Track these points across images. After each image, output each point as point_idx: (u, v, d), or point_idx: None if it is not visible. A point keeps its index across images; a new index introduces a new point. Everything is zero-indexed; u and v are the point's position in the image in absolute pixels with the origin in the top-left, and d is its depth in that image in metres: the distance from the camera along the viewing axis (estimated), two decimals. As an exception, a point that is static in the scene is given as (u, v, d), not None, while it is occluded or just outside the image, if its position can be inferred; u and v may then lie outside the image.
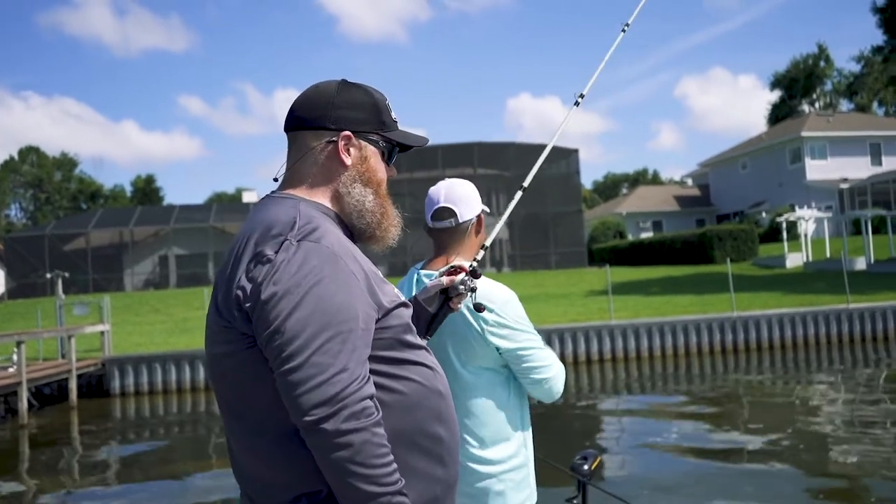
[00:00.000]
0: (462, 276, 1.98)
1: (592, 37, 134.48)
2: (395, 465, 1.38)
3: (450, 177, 2.61)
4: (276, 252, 1.41)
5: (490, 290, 2.28)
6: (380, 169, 1.63)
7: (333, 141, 1.58)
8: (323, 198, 1.59)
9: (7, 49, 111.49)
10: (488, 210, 2.53)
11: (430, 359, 1.59)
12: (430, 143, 1.75)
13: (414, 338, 1.57)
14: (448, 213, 2.36)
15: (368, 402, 1.36)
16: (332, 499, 1.41)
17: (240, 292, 1.42)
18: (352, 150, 1.59)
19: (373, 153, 1.62)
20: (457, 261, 2.28)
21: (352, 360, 1.36)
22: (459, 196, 2.37)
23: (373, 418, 1.35)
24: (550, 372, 2.34)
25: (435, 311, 2.01)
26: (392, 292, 1.57)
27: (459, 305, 1.98)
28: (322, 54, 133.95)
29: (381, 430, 1.36)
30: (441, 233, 2.39)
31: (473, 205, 2.39)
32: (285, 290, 1.37)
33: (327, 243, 1.44)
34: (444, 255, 2.40)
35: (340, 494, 1.37)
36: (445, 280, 1.98)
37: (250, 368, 1.43)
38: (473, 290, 1.94)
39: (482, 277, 2.25)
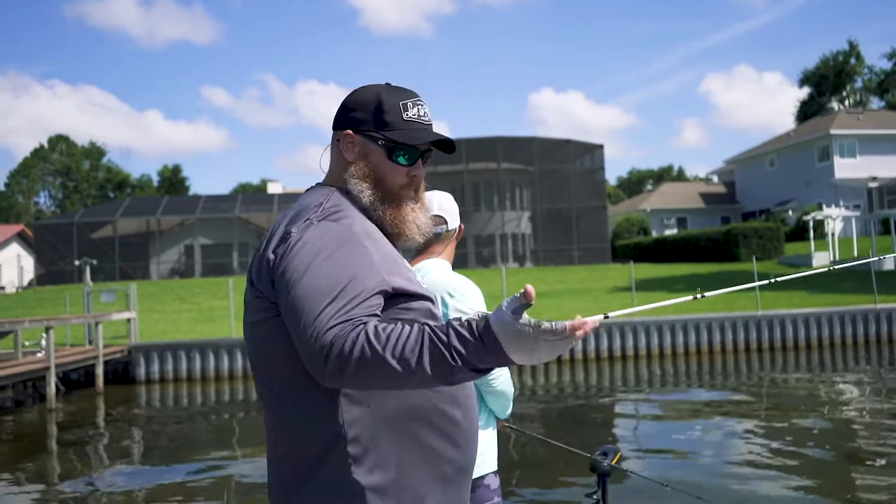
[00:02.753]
0: None
1: (615, 31, 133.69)
2: (404, 348, 1.33)
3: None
4: (300, 229, 1.56)
5: (451, 279, 2.63)
6: (382, 166, 1.70)
7: (340, 139, 1.73)
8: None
9: (33, 38, 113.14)
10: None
11: None
12: (445, 140, 1.76)
13: (437, 323, 1.59)
14: (441, 220, 2.75)
15: (351, 337, 1.35)
16: (351, 451, 1.52)
17: (267, 265, 1.56)
18: (356, 147, 1.71)
19: (374, 150, 1.70)
20: (438, 260, 2.70)
21: (337, 317, 1.39)
22: (449, 207, 2.78)
23: (359, 342, 1.34)
24: (507, 377, 2.62)
25: None
26: (416, 282, 1.66)
27: None
28: (344, 47, 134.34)
29: (370, 343, 1.34)
30: (432, 236, 2.74)
31: (457, 216, 2.81)
32: (300, 262, 1.49)
33: (346, 223, 1.58)
34: (426, 256, 2.77)
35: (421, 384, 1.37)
36: None
37: (278, 332, 1.56)
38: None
39: (444, 269, 2.67)
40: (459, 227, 2.83)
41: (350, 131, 1.71)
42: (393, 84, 1.76)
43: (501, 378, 2.64)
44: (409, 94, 1.73)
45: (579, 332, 1.30)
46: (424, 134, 1.71)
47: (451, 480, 1.61)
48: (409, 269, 1.67)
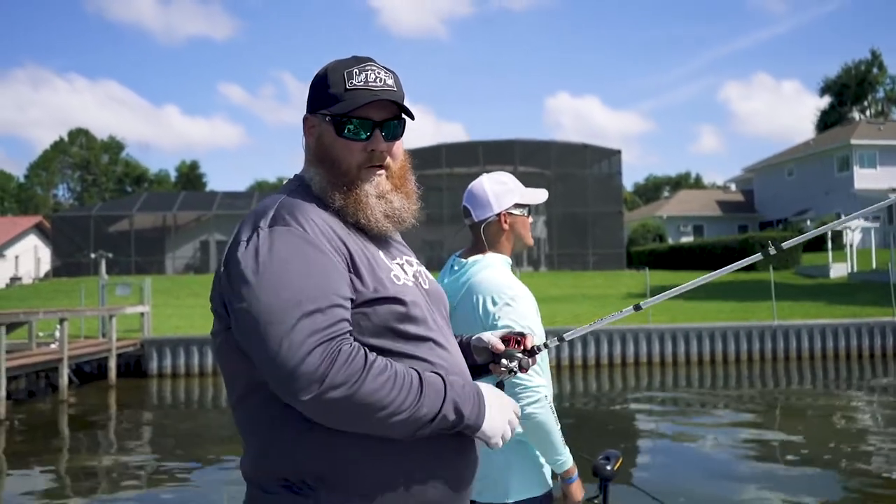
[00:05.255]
0: (512, 350, 1.71)
1: (632, 37, 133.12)
2: (407, 385, 1.36)
3: (490, 172, 2.67)
4: (248, 239, 1.42)
5: (498, 283, 2.33)
6: (335, 146, 1.54)
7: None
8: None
9: (52, 31, 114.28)
10: (526, 203, 2.54)
11: (435, 353, 1.52)
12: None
13: (416, 328, 1.50)
14: (466, 211, 2.50)
15: (346, 362, 1.32)
16: (307, 475, 1.40)
17: (218, 278, 1.46)
18: (313, 130, 1.58)
19: (325, 130, 1.56)
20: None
21: (317, 335, 1.33)
22: (474, 195, 2.47)
23: (358, 373, 1.32)
24: (536, 400, 2.22)
25: (478, 364, 1.76)
26: (388, 281, 1.50)
27: (500, 372, 1.72)
28: (362, 47, 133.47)
29: (371, 377, 1.33)
30: (469, 228, 2.54)
31: (491, 204, 2.45)
32: (249, 276, 1.37)
33: (297, 227, 1.43)
34: (474, 247, 2.50)
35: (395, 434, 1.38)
36: (496, 343, 1.73)
37: (227, 346, 1.46)
38: (512, 371, 1.69)
39: (495, 268, 2.38)
40: (500, 215, 2.45)
41: (307, 115, 1.59)
42: (360, 56, 1.60)
43: (538, 407, 2.22)
44: (358, 61, 1.56)
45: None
46: (363, 97, 1.51)
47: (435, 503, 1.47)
48: (381, 268, 1.51)
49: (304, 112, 1.62)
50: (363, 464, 1.40)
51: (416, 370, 1.40)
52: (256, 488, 1.46)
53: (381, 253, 1.55)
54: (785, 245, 1.65)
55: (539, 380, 2.24)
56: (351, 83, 1.53)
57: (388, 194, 1.56)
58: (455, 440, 1.49)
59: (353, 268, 1.46)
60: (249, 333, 1.36)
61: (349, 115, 1.52)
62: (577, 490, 2.37)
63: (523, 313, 2.28)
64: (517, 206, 2.49)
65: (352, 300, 1.43)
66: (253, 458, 1.47)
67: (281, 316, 1.33)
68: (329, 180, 1.53)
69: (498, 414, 1.47)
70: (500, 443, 1.47)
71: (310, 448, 1.40)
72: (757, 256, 1.71)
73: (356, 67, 1.54)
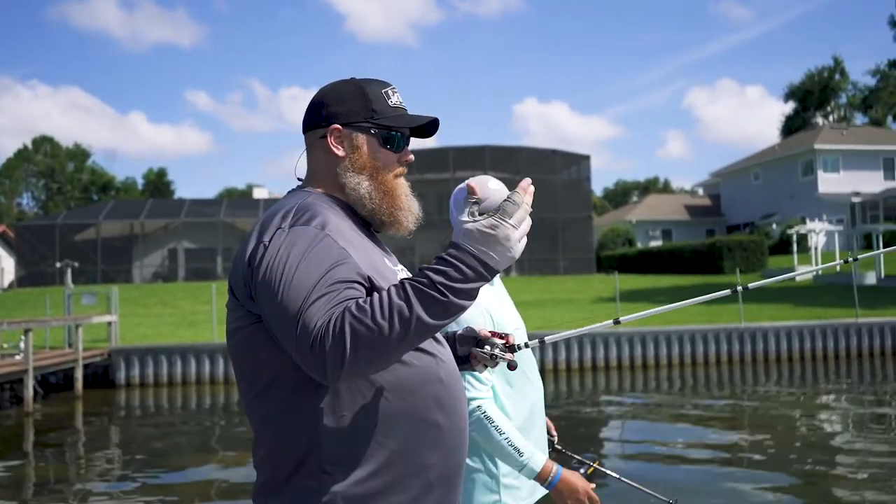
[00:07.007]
0: (495, 340, 1.79)
1: (599, 44, 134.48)
2: (391, 305, 1.34)
3: (460, 179, 2.63)
4: (271, 238, 1.51)
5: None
6: (378, 156, 1.68)
7: (325, 136, 1.68)
8: (331, 190, 1.69)
9: (13, 39, 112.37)
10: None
11: (432, 346, 1.64)
12: (440, 142, 1.75)
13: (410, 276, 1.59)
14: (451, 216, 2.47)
15: (337, 322, 1.33)
16: (325, 460, 1.49)
17: (244, 276, 1.53)
18: (344, 141, 1.67)
19: (366, 141, 1.68)
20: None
21: (330, 310, 1.37)
22: (455, 200, 2.43)
23: (346, 322, 1.33)
24: (480, 401, 2.23)
25: (461, 356, 1.84)
26: (394, 281, 1.56)
27: (479, 366, 1.82)
28: (329, 53, 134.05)
29: (356, 318, 1.33)
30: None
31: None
32: (276, 273, 1.45)
33: (317, 222, 1.53)
34: None
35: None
36: (482, 329, 1.84)
37: (253, 339, 1.55)
38: (492, 357, 1.77)
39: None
40: None
41: (338, 126, 1.67)
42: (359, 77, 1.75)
43: (482, 402, 2.22)
44: (387, 83, 1.74)
45: (526, 197, 1.43)
46: (418, 117, 1.73)
47: (434, 487, 1.57)
48: (388, 270, 1.62)
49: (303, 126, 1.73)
50: (378, 447, 1.51)
51: (392, 286, 1.39)
52: (269, 475, 1.55)
53: (386, 259, 1.69)
54: (752, 286, 1.97)
55: (473, 392, 2.23)
56: (391, 101, 1.71)
57: (412, 197, 1.75)
58: (456, 428, 1.62)
59: (375, 261, 1.58)
60: (279, 331, 1.44)
61: (398, 129, 1.70)
62: (571, 485, 2.24)
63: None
64: None
65: (367, 282, 1.50)
66: (269, 446, 1.56)
67: (298, 304, 1.40)
68: (373, 185, 1.67)
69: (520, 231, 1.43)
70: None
71: (329, 433, 1.49)
72: (726, 292, 2.00)
73: (389, 88, 1.72)
